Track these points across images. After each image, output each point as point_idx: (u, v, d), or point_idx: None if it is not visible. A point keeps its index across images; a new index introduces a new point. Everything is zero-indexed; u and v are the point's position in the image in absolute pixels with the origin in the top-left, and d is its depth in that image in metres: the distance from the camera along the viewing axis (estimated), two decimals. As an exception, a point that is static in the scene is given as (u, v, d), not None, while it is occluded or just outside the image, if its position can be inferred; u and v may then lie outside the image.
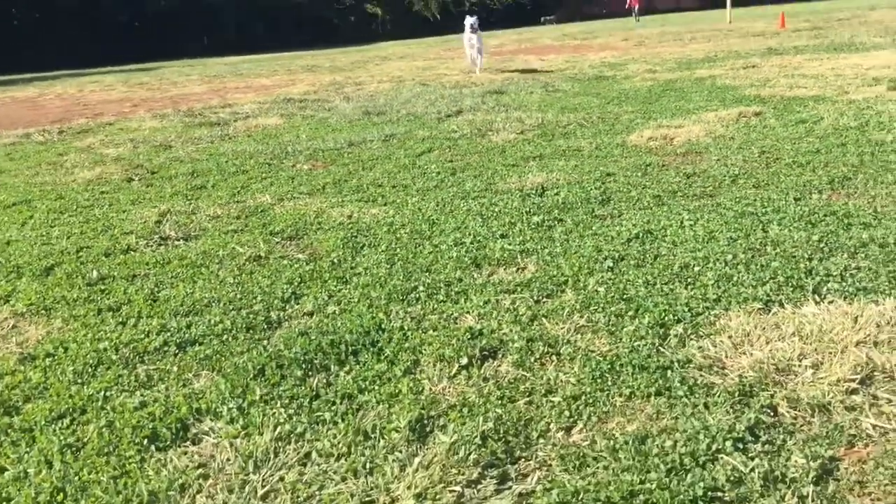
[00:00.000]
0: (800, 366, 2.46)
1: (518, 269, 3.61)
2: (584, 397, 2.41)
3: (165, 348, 3.01)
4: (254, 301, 3.44)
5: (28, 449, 2.36)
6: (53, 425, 2.48)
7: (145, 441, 2.33)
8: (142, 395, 2.64)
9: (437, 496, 1.97)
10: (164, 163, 7.13)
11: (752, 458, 2.02)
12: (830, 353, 2.51)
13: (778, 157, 5.37)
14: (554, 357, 2.69)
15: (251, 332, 3.12)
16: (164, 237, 4.57)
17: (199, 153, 7.54)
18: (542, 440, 2.22)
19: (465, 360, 2.69)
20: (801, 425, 2.19)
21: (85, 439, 2.38)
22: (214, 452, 2.26)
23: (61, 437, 2.39)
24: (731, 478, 1.95)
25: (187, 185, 6.05)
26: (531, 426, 2.28)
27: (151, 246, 4.44)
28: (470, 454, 2.14)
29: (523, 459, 2.14)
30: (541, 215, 4.40)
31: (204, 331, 3.14)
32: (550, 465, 2.10)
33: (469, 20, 14.45)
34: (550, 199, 4.74)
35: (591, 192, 4.83)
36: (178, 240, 4.52)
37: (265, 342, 3.00)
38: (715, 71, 11.21)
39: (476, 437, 2.21)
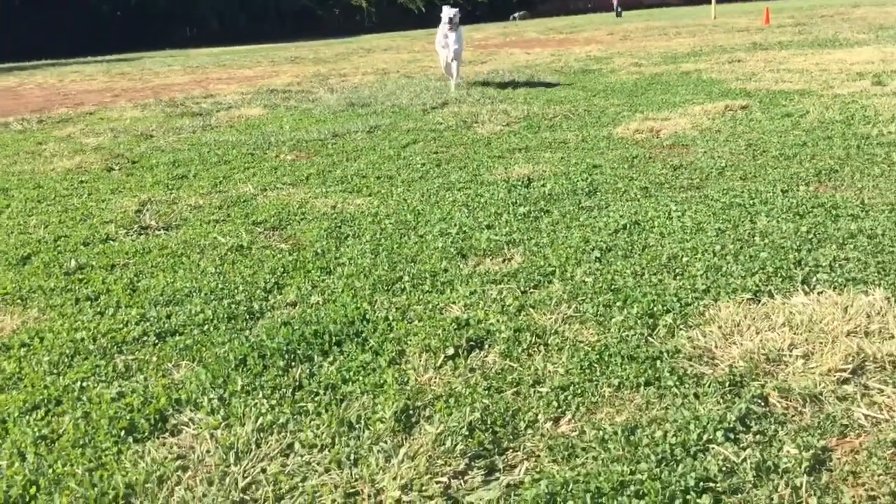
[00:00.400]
0: (790, 356, 2.44)
1: (504, 259, 3.56)
2: (572, 388, 2.37)
3: (144, 338, 2.94)
4: (236, 291, 3.37)
5: (0, 441, 2.29)
6: (27, 416, 2.41)
7: (122, 432, 2.27)
8: (119, 385, 2.57)
9: (424, 487, 1.93)
10: (144, 152, 7.02)
11: (744, 449, 1.99)
12: (821, 343, 2.48)
13: (765, 150, 5.35)
14: (542, 347, 2.65)
15: (233, 322, 3.05)
16: (145, 227, 4.49)
17: (180, 143, 7.43)
18: (529, 431, 2.18)
19: (451, 351, 2.65)
20: (793, 415, 2.16)
21: (60, 431, 2.31)
22: (194, 444, 2.20)
23: (35, 429, 2.32)
24: (723, 468, 1.92)
25: (168, 174, 5.96)
26: (519, 417, 2.24)
27: (131, 235, 4.35)
28: (457, 445, 2.09)
29: (511, 450, 2.10)
30: (527, 206, 4.36)
31: (184, 321, 3.07)
32: (539, 456, 2.06)
33: (448, 12, 10.50)
34: (537, 191, 4.70)
35: (578, 183, 4.79)
36: (159, 229, 4.44)
37: (247, 332, 2.94)
38: (700, 65, 11.21)
39: (463, 427, 2.17)
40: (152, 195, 5.24)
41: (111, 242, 4.24)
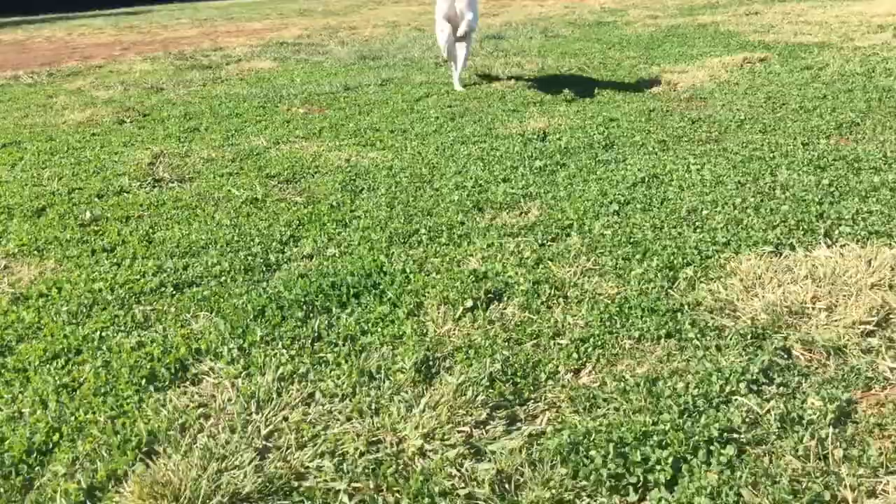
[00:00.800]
0: (813, 308, 2.41)
1: (521, 212, 3.53)
2: (592, 340, 2.36)
3: (162, 289, 2.94)
4: (251, 243, 3.36)
5: (22, 389, 2.30)
6: (48, 365, 2.42)
7: (143, 381, 2.28)
8: (139, 335, 2.58)
9: (446, 436, 1.93)
10: (155, 105, 6.97)
11: (768, 400, 1.98)
12: (845, 295, 2.46)
13: (784, 103, 5.26)
14: (561, 300, 2.63)
15: (249, 273, 3.04)
16: (158, 179, 4.46)
17: (191, 96, 7.37)
18: (550, 382, 2.17)
19: (469, 303, 2.63)
20: (817, 368, 2.14)
21: (80, 379, 2.32)
22: (215, 392, 2.20)
23: (56, 378, 2.33)
24: (747, 419, 1.91)
25: (180, 127, 5.91)
26: (539, 368, 2.23)
27: (145, 188, 4.33)
28: (478, 395, 2.09)
29: (532, 401, 2.09)
30: (543, 160, 4.30)
31: (201, 272, 3.06)
32: (560, 407, 2.06)
33: None
34: (552, 144, 4.64)
35: (594, 136, 4.73)
36: (173, 182, 4.41)
37: (264, 284, 2.93)
38: (717, 17, 10.99)
39: (483, 378, 2.16)
40: (165, 148, 5.21)
41: (125, 195, 4.22)
